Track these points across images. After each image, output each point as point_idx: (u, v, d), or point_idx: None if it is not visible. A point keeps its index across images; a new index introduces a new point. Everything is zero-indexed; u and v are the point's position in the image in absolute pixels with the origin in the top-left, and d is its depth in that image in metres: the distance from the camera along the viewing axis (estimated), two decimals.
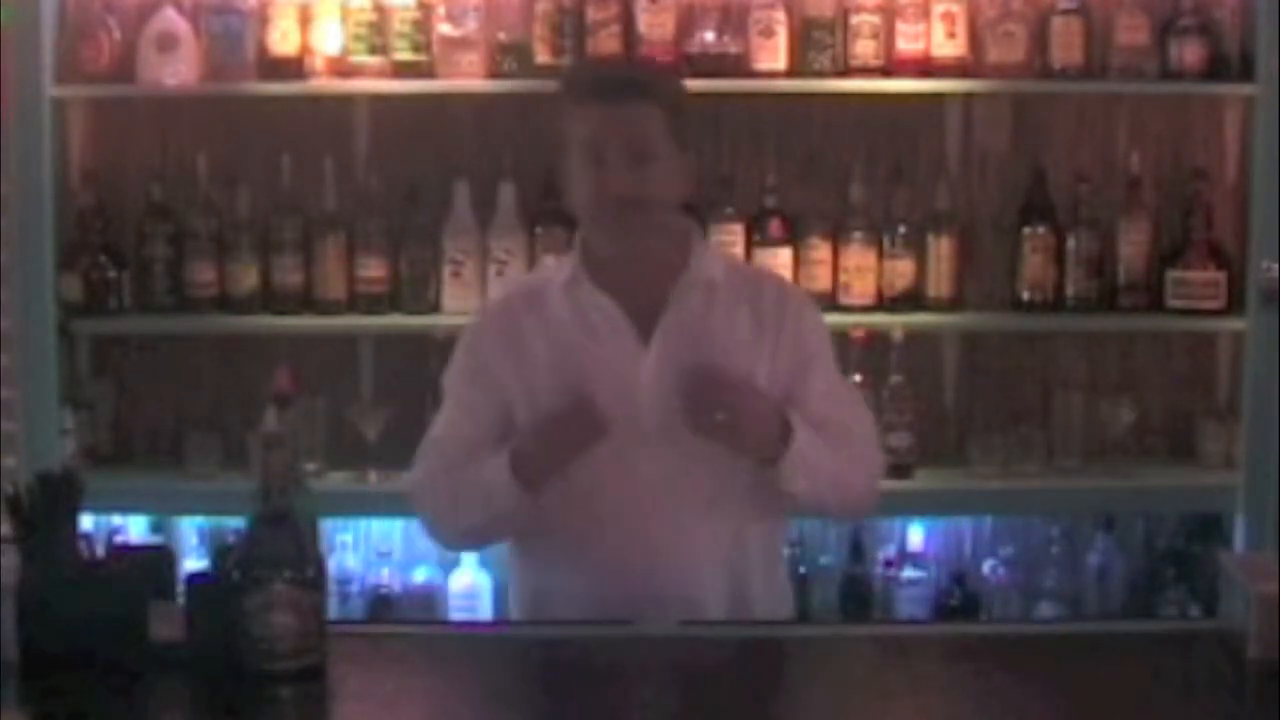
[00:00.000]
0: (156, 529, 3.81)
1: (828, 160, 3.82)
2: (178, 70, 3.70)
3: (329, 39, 3.70)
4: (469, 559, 3.76)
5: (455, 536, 2.74)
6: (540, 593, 2.62)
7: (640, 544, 2.49)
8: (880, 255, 3.76)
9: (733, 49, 3.68)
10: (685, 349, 2.50)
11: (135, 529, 3.79)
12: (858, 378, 3.60)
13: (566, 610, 2.53)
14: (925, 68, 3.71)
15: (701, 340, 2.51)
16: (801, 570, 3.74)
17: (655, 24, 3.68)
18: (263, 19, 3.70)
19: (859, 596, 3.80)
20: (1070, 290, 3.77)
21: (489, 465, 2.49)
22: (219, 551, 2.37)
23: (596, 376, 2.50)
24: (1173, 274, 3.75)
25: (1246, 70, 3.69)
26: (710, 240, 3.43)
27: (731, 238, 3.69)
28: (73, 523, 2.25)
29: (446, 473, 2.59)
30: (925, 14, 3.69)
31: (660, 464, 2.48)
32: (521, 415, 2.55)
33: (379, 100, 3.80)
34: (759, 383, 2.52)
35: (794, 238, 3.74)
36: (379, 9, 3.70)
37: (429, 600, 3.79)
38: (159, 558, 2.40)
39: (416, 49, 3.70)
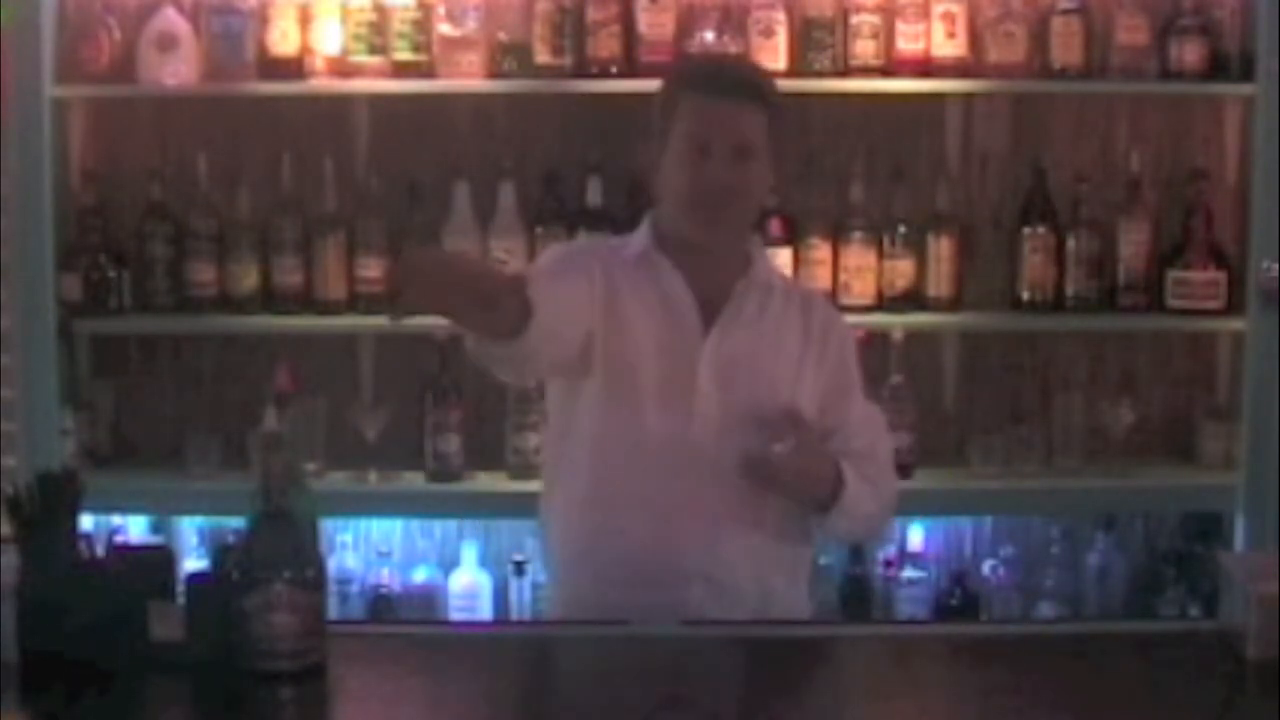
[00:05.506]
0: (156, 529, 3.81)
1: (828, 160, 3.82)
2: (178, 70, 3.70)
3: (329, 39, 3.69)
4: (469, 559, 3.76)
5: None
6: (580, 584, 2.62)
7: (676, 519, 2.52)
8: (880, 255, 3.76)
9: (733, 49, 3.67)
10: (741, 344, 2.56)
11: (135, 529, 3.78)
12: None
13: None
14: (925, 68, 3.71)
15: (756, 339, 2.57)
16: None
17: (655, 24, 3.68)
18: (263, 19, 3.70)
19: (859, 596, 3.80)
20: (1070, 290, 3.77)
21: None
22: (219, 551, 2.37)
23: (660, 351, 2.54)
24: (1173, 274, 3.75)
25: (1246, 70, 3.69)
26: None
27: None
28: (73, 523, 2.24)
29: None
30: (925, 14, 3.69)
31: (705, 446, 2.52)
32: (576, 336, 2.49)
33: (379, 100, 3.80)
34: (803, 396, 2.57)
35: (794, 238, 3.73)
36: (379, 9, 3.70)
37: (429, 600, 3.79)
38: (159, 558, 2.40)
39: (416, 49, 3.70)
